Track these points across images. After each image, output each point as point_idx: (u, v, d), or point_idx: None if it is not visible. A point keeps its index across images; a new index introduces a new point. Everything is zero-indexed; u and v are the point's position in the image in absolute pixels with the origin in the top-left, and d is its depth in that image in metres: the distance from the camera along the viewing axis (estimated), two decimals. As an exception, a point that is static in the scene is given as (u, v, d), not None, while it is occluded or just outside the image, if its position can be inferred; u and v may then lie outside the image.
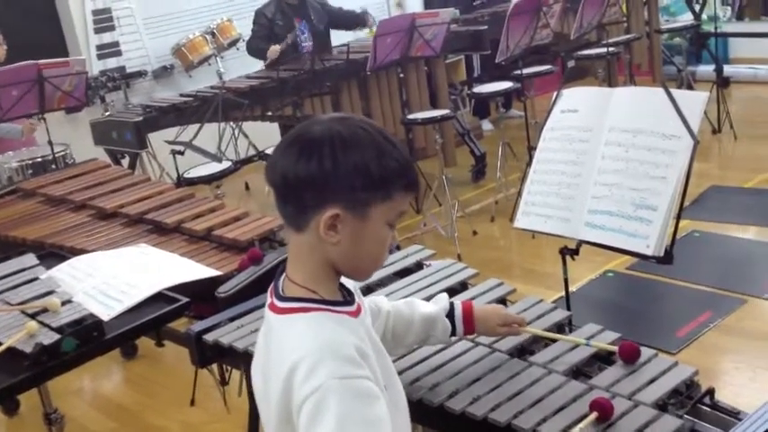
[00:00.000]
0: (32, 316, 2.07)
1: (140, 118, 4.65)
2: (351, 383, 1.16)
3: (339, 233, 1.22)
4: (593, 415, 1.40)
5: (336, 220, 1.21)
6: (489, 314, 1.64)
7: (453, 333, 1.61)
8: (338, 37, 5.90)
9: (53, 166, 4.35)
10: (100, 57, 6.22)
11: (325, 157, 1.19)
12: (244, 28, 6.06)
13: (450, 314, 1.60)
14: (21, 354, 1.89)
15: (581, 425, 1.38)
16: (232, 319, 2.05)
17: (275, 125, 5.47)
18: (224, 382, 2.62)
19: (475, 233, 4.95)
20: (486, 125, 7.05)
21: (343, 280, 1.35)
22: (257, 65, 5.60)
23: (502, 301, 1.95)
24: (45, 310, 2.08)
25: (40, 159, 4.47)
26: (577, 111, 2.07)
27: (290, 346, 1.21)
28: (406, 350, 1.64)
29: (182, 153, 4.22)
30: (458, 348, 1.68)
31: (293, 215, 1.25)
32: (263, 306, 2.04)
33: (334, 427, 1.12)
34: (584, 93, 2.13)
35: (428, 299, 1.97)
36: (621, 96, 2.01)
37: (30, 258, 2.52)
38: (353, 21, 5.83)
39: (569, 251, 2.07)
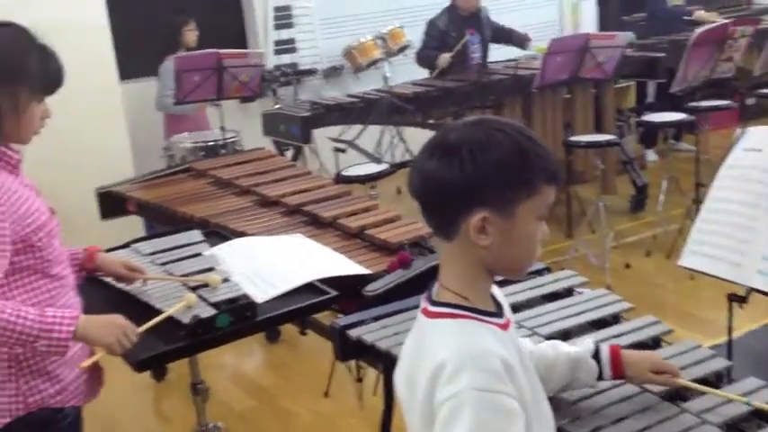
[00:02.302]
0: (193, 289, 2.18)
1: (308, 113, 4.81)
2: (489, 397, 1.15)
3: (489, 235, 1.22)
4: None
5: (485, 222, 1.21)
6: (640, 358, 1.56)
7: (600, 376, 1.55)
8: (502, 52, 5.87)
9: (223, 151, 4.59)
10: (276, 52, 6.49)
11: (466, 163, 1.20)
12: (413, 35, 6.15)
13: (597, 356, 1.55)
14: (178, 324, 1.99)
15: None
16: (376, 319, 2.07)
17: (433, 133, 5.51)
18: (359, 378, 2.66)
19: (628, 266, 4.77)
20: (651, 155, 6.79)
21: (495, 293, 1.33)
22: (422, 72, 5.66)
23: (656, 340, 1.86)
24: (205, 285, 2.18)
25: (211, 143, 4.73)
26: (761, 150, 1.95)
27: (437, 348, 1.22)
28: (551, 393, 1.57)
29: (343, 151, 4.33)
30: (605, 383, 1.61)
31: (441, 224, 1.26)
32: (408, 309, 2.06)
33: None
34: (772, 132, 2.00)
35: (577, 328, 1.93)
36: (814, 140, 1.87)
37: (195, 234, 2.65)
38: (512, 38, 5.78)
39: (737, 298, 1.95)
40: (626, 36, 5.12)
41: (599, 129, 5.47)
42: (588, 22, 7.63)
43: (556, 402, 1.58)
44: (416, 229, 2.76)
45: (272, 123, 5.04)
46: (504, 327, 1.29)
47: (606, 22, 7.59)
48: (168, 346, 1.94)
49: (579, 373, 1.53)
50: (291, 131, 4.81)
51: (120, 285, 2.23)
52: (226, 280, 2.21)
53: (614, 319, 1.98)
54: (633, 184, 5.73)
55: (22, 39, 1.79)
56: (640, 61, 5.63)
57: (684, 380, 1.58)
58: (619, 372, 1.55)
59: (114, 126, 5.11)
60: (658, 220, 5.12)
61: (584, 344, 1.57)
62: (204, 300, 2.11)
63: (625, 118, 6.10)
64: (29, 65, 1.77)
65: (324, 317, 2.44)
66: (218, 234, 2.74)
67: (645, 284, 4.57)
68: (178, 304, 2.04)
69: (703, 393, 1.58)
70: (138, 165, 5.11)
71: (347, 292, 2.28)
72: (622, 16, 7.30)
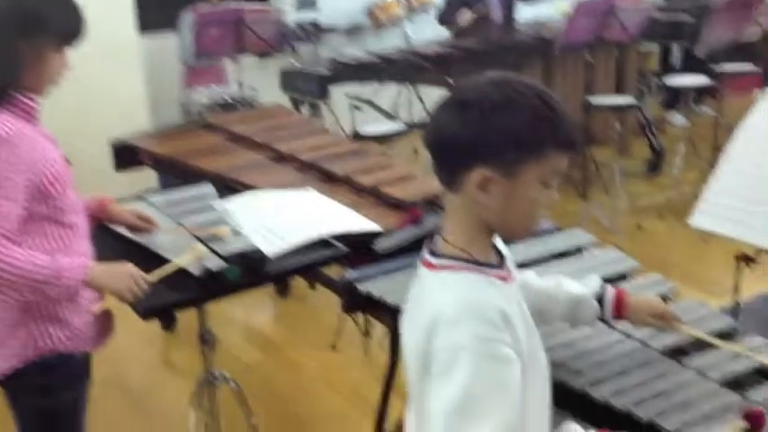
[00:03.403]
0: (203, 242, 2.19)
1: (326, 71, 4.79)
2: (487, 345, 1.17)
3: (491, 194, 1.22)
4: (743, 424, 1.32)
5: (487, 181, 1.22)
6: (643, 303, 1.57)
7: (602, 317, 1.56)
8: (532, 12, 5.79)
9: (240, 106, 4.58)
10: (298, 8, 6.44)
11: (475, 119, 1.20)
12: (436, -6, 6.08)
13: (600, 297, 1.56)
14: (188, 275, 2.01)
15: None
16: (386, 274, 2.09)
17: (452, 93, 5.48)
18: (366, 332, 2.69)
19: (639, 228, 4.76)
20: (679, 119, 6.72)
21: (498, 243, 1.34)
22: (444, 32, 5.60)
23: (663, 298, 1.86)
24: (216, 237, 2.19)
25: (228, 98, 4.71)
26: (779, 112, 1.92)
27: (436, 300, 1.24)
28: (550, 325, 1.60)
29: (360, 109, 4.32)
30: (609, 338, 1.63)
31: (446, 175, 1.27)
32: (417, 265, 2.07)
33: (463, 385, 1.15)
34: (791, 93, 1.97)
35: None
36: (832, 101, 1.84)
37: (208, 188, 2.66)
38: None
39: (747, 259, 1.94)
40: (652, -1, 5.04)
41: (619, 91, 5.42)
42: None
43: (557, 356, 1.60)
44: (430, 187, 2.75)
45: (289, 79, 5.02)
46: (506, 278, 1.30)
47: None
48: (177, 296, 1.97)
49: (580, 311, 1.55)
50: (309, 88, 4.80)
51: (132, 236, 2.25)
52: (237, 233, 2.23)
53: (621, 278, 1.99)
54: (650, 148, 5.69)
55: None
56: (665, 24, 5.54)
57: (685, 327, 1.58)
58: (620, 313, 1.56)
59: (131, 78, 5.13)
60: (673, 183, 5.09)
61: (591, 283, 1.57)
62: (215, 252, 2.13)
63: (647, 81, 6.03)
64: (51, 15, 1.78)
65: (334, 272, 2.46)
66: (230, 188, 2.75)
67: (656, 246, 4.57)
68: (188, 254, 2.06)
69: (705, 350, 1.59)
70: (154, 118, 5.12)
71: (358, 248, 2.30)
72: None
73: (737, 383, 1.51)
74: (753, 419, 1.32)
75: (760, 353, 1.56)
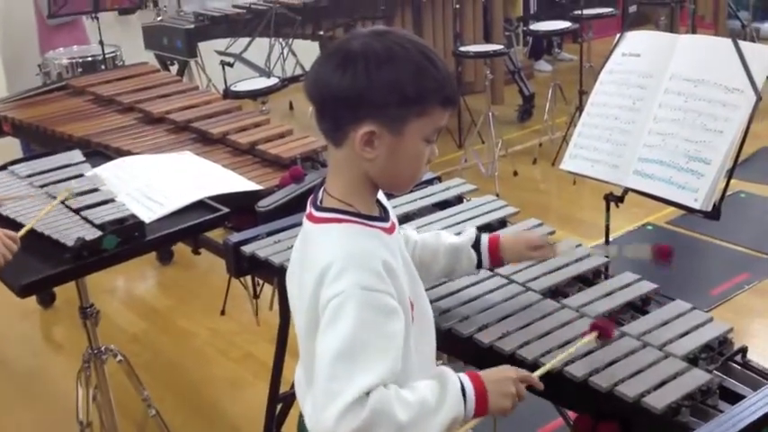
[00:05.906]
0: (76, 211, 2.10)
1: (192, 26, 4.65)
2: (372, 296, 1.19)
3: (375, 149, 1.23)
4: (593, 334, 1.42)
5: (372, 136, 1.22)
6: (515, 241, 1.60)
7: (480, 265, 1.59)
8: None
9: (102, 67, 4.37)
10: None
11: (359, 74, 1.19)
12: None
13: (477, 245, 1.58)
14: (63, 247, 1.93)
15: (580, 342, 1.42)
16: (270, 234, 2.07)
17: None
18: (256, 295, 2.67)
19: (515, 174, 4.91)
20: (541, 66, 6.92)
21: (381, 197, 1.35)
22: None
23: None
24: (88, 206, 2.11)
25: (90, 59, 4.50)
26: (639, 55, 2.01)
27: (322, 253, 1.24)
28: (434, 281, 1.64)
29: (231, 65, 4.21)
30: (491, 284, 1.68)
31: (330, 130, 1.26)
32: (301, 224, 2.06)
33: (349, 332, 1.16)
34: (649, 37, 2.06)
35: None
36: (687, 44, 1.94)
37: (76, 155, 2.54)
38: None
39: (614, 198, 2.04)
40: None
41: (488, 39, 5.52)
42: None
43: (443, 305, 1.64)
44: (309, 143, 2.74)
45: (154, 37, 4.83)
46: (390, 231, 1.31)
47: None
48: (52, 269, 1.88)
49: (459, 262, 1.57)
50: (175, 45, 4.63)
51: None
52: (110, 201, 2.15)
53: (501, 224, 2.05)
54: (521, 94, 5.85)
55: None
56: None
57: (563, 250, 1.64)
58: (496, 259, 1.59)
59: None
60: (544, 128, 5.27)
61: (467, 233, 1.61)
62: (89, 222, 2.05)
63: (513, 28, 6.17)
64: None
65: (218, 235, 2.42)
66: (100, 154, 2.64)
67: (531, 191, 4.74)
68: (54, 201, 1.99)
69: (581, 290, 1.67)
70: (11, 83, 4.82)
71: (240, 210, 2.26)
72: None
73: (613, 319, 1.60)
74: (601, 330, 1.42)
75: (632, 289, 1.65)
